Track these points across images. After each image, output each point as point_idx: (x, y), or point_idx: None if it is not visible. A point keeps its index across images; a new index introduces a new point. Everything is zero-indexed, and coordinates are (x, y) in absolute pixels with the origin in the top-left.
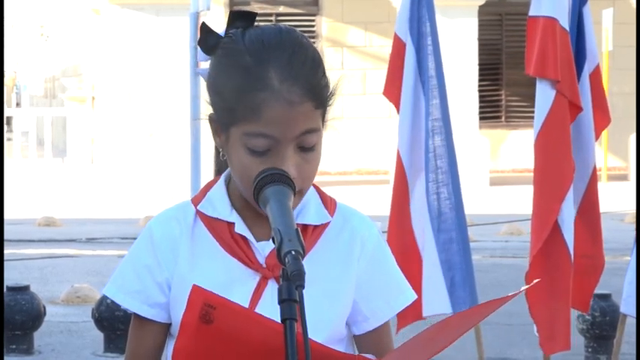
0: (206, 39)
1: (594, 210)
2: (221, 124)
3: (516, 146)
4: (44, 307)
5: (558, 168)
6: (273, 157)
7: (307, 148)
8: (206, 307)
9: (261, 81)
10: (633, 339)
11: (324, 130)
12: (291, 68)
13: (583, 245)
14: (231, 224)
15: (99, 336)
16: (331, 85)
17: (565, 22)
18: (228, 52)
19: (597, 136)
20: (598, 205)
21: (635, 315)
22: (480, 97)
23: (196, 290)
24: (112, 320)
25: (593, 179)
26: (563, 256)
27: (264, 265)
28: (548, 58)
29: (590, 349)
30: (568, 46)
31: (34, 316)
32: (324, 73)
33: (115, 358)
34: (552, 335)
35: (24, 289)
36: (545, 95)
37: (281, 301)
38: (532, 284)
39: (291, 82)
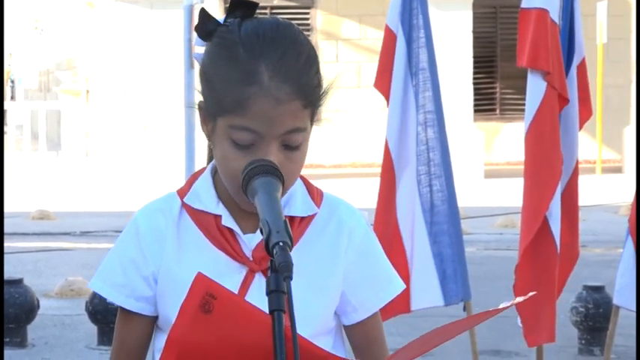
0: (204, 24)
1: (574, 200)
2: (209, 113)
3: (511, 139)
4: (38, 301)
5: (549, 161)
6: (256, 152)
7: (292, 147)
8: (207, 297)
9: (251, 75)
10: (626, 331)
11: (319, 126)
12: (283, 65)
13: (562, 234)
14: (217, 217)
15: (92, 329)
16: (324, 84)
17: (555, 14)
18: (222, 41)
19: (579, 128)
20: (577, 196)
21: (626, 306)
22: (475, 89)
23: (200, 278)
24: (105, 313)
25: (575, 171)
26: (550, 248)
27: (251, 258)
28: (540, 50)
29: (583, 341)
30: (557, 38)
31: (28, 309)
32: (317, 71)
33: (109, 350)
34: (537, 327)
35: (18, 283)
36: (536, 87)
37: (269, 293)
38: (527, 297)
39: (281, 79)
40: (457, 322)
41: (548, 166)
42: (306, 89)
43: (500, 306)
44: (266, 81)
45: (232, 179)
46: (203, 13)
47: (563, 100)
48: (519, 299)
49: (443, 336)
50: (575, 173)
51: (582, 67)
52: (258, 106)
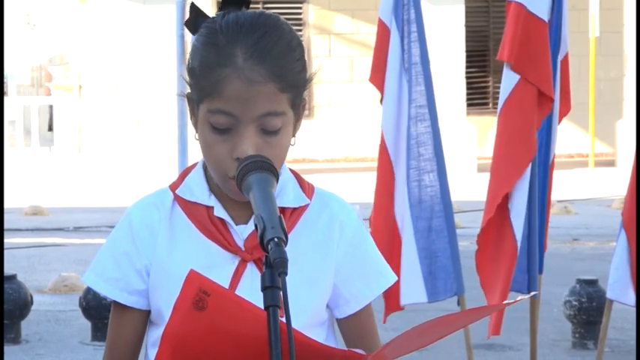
0: (194, 19)
1: (547, 195)
2: (193, 102)
3: None
4: (31, 296)
5: (513, 152)
6: (234, 136)
7: (270, 131)
8: (200, 294)
9: (226, 58)
10: (620, 324)
11: (310, 118)
12: (258, 47)
13: None
14: (209, 208)
15: (86, 324)
16: (309, 72)
17: (540, 10)
18: (204, 31)
19: (558, 123)
20: (550, 191)
21: (620, 300)
22: (467, 83)
23: (193, 275)
24: (99, 309)
25: (551, 167)
26: (508, 242)
27: (243, 248)
28: (506, 42)
29: (577, 335)
30: (542, 35)
31: (21, 305)
32: (299, 58)
33: (103, 346)
34: (492, 319)
35: (11, 278)
36: (507, 80)
37: (264, 289)
38: (529, 295)
39: (255, 61)
40: (454, 316)
41: (511, 158)
42: (283, 73)
43: (505, 302)
44: (240, 62)
45: (215, 165)
46: (194, 8)
47: (548, 98)
48: (520, 297)
49: (440, 331)
50: (550, 169)
51: (565, 63)
52: (231, 87)
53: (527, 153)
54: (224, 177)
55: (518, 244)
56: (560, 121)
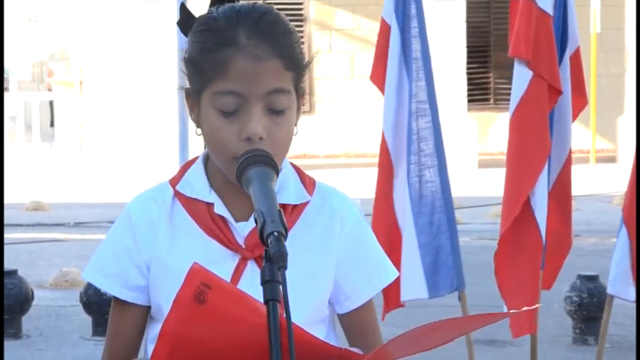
0: (185, 20)
1: (566, 190)
2: (194, 92)
3: (505, 128)
4: (32, 292)
5: (531, 149)
6: (241, 117)
7: (277, 110)
8: (202, 287)
9: (228, 38)
10: (620, 320)
11: (311, 114)
12: (259, 26)
13: (553, 223)
14: (210, 205)
15: (87, 320)
16: (306, 57)
17: (546, 4)
18: (201, 21)
19: (574, 118)
20: (570, 185)
21: (620, 296)
22: (468, 79)
23: (195, 269)
24: (100, 304)
25: (568, 161)
26: (534, 238)
27: (244, 246)
28: (521, 39)
29: (577, 331)
30: (549, 29)
31: (22, 300)
32: (297, 40)
33: (103, 341)
34: (519, 318)
35: (12, 274)
36: (521, 76)
37: (263, 283)
38: (533, 308)
39: (258, 38)
40: (460, 320)
41: (530, 155)
42: (286, 49)
43: (511, 311)
44: (244, 41)
45: (223, 149)
46: (184, 9)
47: (556, 91)
48: (526, 308)
49: (444, 335)
50: (567, 163)
51: (576, 57)
52: (237, 65)
53: (544, 149)
54: (231, 161)
55: (543, 241)
56: (576, 116)
